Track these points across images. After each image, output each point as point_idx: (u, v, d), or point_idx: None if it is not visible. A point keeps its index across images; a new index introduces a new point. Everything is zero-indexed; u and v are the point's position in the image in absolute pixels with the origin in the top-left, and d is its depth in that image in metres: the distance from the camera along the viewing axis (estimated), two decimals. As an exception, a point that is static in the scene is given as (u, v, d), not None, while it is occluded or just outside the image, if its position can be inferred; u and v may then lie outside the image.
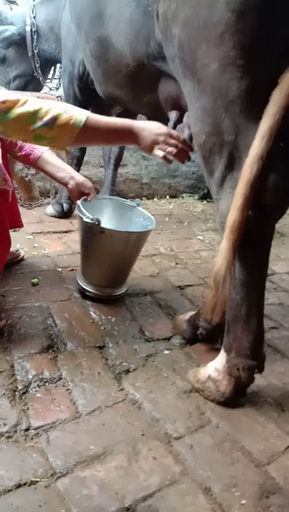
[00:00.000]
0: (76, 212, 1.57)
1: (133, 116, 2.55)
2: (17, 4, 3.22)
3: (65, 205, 2.56)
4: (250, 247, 1.09)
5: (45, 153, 1.58)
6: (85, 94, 2.27)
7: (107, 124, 1.20)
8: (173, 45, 1.08)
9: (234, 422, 1.14)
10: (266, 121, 0.92)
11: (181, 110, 1.34)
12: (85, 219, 1.48)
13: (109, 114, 2.45)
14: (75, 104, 2.30)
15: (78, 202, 1.56)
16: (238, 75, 0.94)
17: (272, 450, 1.07)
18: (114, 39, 1.39)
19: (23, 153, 1.58)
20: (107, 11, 1.37)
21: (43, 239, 2.21)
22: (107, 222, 1.64)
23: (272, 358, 1.42)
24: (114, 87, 1.60)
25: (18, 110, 1.11)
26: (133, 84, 1.45)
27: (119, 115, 2.50)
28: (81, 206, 1.54)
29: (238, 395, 1.19)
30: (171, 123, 1.38)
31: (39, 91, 2.93)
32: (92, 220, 1.46)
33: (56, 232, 2.33)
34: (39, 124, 1.12)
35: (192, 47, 1.00)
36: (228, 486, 0.95)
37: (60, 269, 1.89)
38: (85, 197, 1.59)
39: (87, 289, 1.65)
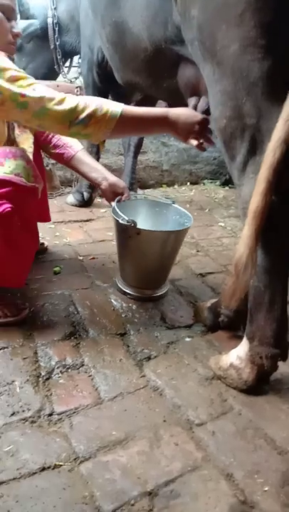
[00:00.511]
0: (111, 214, 1.55)
1: (153, 103, 2.52)
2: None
3: (85, 194, 2.56)
4: (272, 233, 1.06)
5: (79, 152, 1.57)
6: (104, 81, 2.25)
7: (142, 115, 1.21)
8: (192, 28, 1.05)
9: (257, 409, 1.13)
10: None
11: (201, 96, 1.30)
12: (121, 221, 1.45)
13: (128, 101, 2.43)
14: (94, 92, 2.31)
15: (113, 203, 1.54)
16: (259, 56, 0.91)
17: (296, 438, 1.05)
18: (130, 23, 1.35)
19: (57, 151, 1.58)
20: None
21: (64, 228, 2.22)
22: (142, 222, 1.60)
23: (296, 346, 1.40)
24: (132, 73, 1.57)
25: (55, 107, 1.12)
26: (151, 69, 1.42)
27: (138, 102, 2.47)
28: (116, 208, 1.51)
29: (260, 383, 1.18)
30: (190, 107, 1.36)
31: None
32: (128, 221, 1.43)
33: (77, 221, 2.34)
34: (75, 121, 1.14)
35: (211, 28, 0.97)
36: (250, 473, 0.95)
37: (81, 258, 1.91)
38: (119, 197, 1.58)
39: (127, 291, 1.62)
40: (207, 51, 1.02)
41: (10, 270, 1.35)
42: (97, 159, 2.35)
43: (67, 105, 1.13)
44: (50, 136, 1.58)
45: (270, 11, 0.87)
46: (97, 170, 1.58)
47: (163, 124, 1.24)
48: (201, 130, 1.26)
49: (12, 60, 1.25)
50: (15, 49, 1.35)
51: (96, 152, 2.52)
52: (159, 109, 1.23)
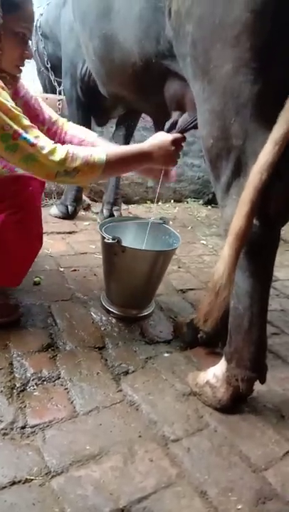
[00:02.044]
0: (97, 230, 1.55)
1: (137, 117, 2.55)
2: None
3: (70, 208, 2.56)
4: (254, 256, 1.07)
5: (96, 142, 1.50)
6: (87, 96, 2.24)
7: (124, 154, 1.23)
8: (185, 43, 1.05)
9: (233, 427, 1.13)
10: (280, 128, 0.88)
11: (185, 110, 1.32)
12: (106, 240, 1.44)
13: (110, 116, 2.45)
14: (78, 107, 2.31)
15: (98, 219, 1.54)
16: (251, 78, 0.92)
17: (271, 456, 1.05)
18: (121, 37, 1.35)
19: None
20: (114, 7, 1.33)
21: (47, 239, 2.20)
22: (132, 241, 1.59)
23: (273, 364, 1.41)
24: (118, 86, 1.57)
25: (44, 158, 1.12)
26: (138, 83, 1.43)
27: (122, 116, 2.50)
28: (101, 229, 1.52)
29: (236, 403, 1.18)
30: (168, 123, 1.38)
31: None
32: (113, 238, 1.43)
33: (60, 233, 2.34)
34: (62, 173, 1.15)
35: (206, 46, 0.97)
36: (224, 490, 0.94)
37: (62, 269, 1.89)
38: (107, 220, 1.61)
39: (112, 310, 1.60)
40: (199, 68, 1.03)
41: (9, 269, 1.36)
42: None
43: (56, 157, 1.12)
44: (62, 135, 1.51)
45: (266, 35, 0.88)
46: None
47: (144, 158, 1.26)
48: (178, 147, 1.27)
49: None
50: (21, 70, 1.33)
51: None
52: (138, 146, 1.26)
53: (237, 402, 1.18)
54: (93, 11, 1.47)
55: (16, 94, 1.39)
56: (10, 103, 1.12)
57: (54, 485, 0.90)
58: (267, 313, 1.15)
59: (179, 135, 1.29)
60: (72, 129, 1.48)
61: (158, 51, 1.23)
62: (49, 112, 1.48)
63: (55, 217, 2.57)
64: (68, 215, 2.57)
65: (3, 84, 1.14)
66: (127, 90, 1.54)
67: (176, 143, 1.27)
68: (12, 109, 1.11)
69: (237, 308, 1.13)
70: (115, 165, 1.21)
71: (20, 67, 1.29)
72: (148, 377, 1.28)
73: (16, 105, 1.37)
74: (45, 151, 1.12)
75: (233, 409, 1.18)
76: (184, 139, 1.30)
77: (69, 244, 2.21)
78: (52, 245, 2.14)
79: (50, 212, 2.60)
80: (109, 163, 1.18)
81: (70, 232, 2.38)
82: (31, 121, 1.40)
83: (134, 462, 0.98)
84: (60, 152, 1.13)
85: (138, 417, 1.12)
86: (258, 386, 1.18)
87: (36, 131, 1.15)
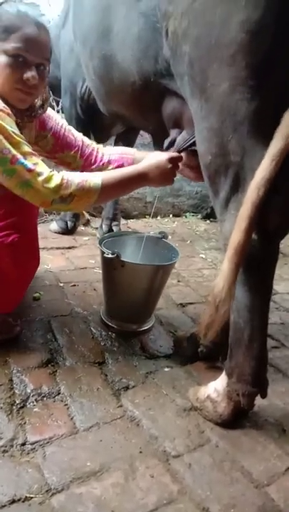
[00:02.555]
0: (97, 245, 1.56)
1: (135, 134, 2.59)
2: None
3: (69, 223, 2.58)
4: (254, 270, 1.07)
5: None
6: (87, 114, 2.27)
7: (120, 178, 1.23)
8: (182, 63, 1.07)
9: (234, 442, 1.12)
10: (277, 143, 0.90)
11: (183, 128, 1.35)
12: (106, 255, 1.45)
13: (109, 134, 2.49)
14: (78, 124, 2.34)
15: (97, 235, 1.55)
16: (248, 96, 0.93)
17: (273, 471, 1.04)
18: (119, 57, 1.37)
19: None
20: (113, 28, 1.36)
21: (46, 254, 2.22)
22: (131, 256, 1.60)
23: (274, 378, 1.40)
24: (118, 105, 1.60)
25: (40, 185, 1.13)
26: (138, 102, 1.45)
27: (121, 134, 2.54)
28: (100, 244, 1.54)
29: (237, 418, 1.17)
30: (167, 141, 1.40)
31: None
32: (112, 253, 1.44)
33: (59, 248, 2.35)
34: (58, 200, 1.16)
35: (203, 65, 0.99)
36: (226, 507, 0.93)
37: (62, 285, 1.90)
38: (106, 235, 1.62)
39: (111, 325, 1.60)
40: (197, 87, 1.04)
41: (4, 295, 1.35)
42: None
43: (51, 184, 1.13)
44: (100, 156, 1.49)
45: (261, 53, 0.90)
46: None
47: (140, 180, 1.27)
48: (174, 165, 1.29)
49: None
50: (27, 100, 1.24)
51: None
52: (133, 168, 1.27)
53: (238, 416, 1.17)
54: (94, 32, 1.50)
55: (43, 127, 1.42)
56: (12, 129, 1.12)
57: (54, 503, 0.89)
58: (267, 327, 1.15)
59: (175, 154, 1.31)
60: (109, 149, 1.51)
61: (156, 70, 1.25)
62: (82, 137, 1.50)
63: (55, 232, 2.58)
64: (68, 231, 2.59)
65: (9, 111, 1.15)
66: (126, 109, 1.57)
67: (173, 161, 1.28)
68: (13, 135, 1.12)
69: (237, 323, 1.13)
70: (111, 189, 1.22)
71: (26, 95, 1.21)
72: (148, 393, 1.27)
73: (46, 138, 1.42)
74: (41, 178, 1.12)
75: (234, 424, 1.17)
76: (180, 158, 1.32)
77: (68, 259, 2.22)
78: (51, 260, 2.15)
79: (50, 227, 2.61)
80: (105, 187, 1.19)
81: (69, 248, 2.39)
82: (64, 151, 1.46)
83: (135, 478, 0.97)
84: (56, 179, 1.14)
85: (139, 433, 1.12)
86: (258, 400, 1.17)
87: (35, 159, 1.15)
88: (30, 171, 1.12)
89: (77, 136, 1.50)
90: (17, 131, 1.14)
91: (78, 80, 2.17)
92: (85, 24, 1.58)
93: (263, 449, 1.11)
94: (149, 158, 1.30)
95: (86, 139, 1.51)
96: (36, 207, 1.43)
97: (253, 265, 1.06)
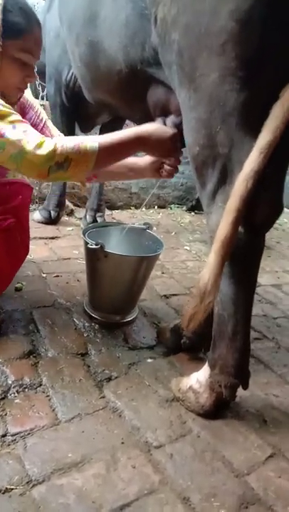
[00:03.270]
0: (81, 236, 1.54)
1: (121, 124, 2.56)
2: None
3: (52, 213, 2.54)
4: (239, 263, 1.07)
5: None
6: (72, 102, 2.23)
7: (118, 142, 1.16)
8: (171, 51, 1.04)
9: (215, 432, 1.13)
10: (266, 136, 0.89)
11: (168, 116, 1.33)
12: (90, 246, 1.43)
13: (94, 122, 2.45)
14: (62, 112, 2.30)
15: (81, 226, 1.53)
16: (237, 87, 0.92)
17: (253, 460, 1.06)
18: (106, 43, 1.35)
19: None
20: (100, 14, 1.33)
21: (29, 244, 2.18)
22: (115, 247, 1.57)
23: (256, 369, 1.42)
24: (103, 93, 1.57)
25: (32, 152, 1.06)
26: (124, 90, 1.43)
27: (107, 123, 2.50)
28: (84, 234, 1.52)
29: (219, 409, 1.18)
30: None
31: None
32: (96, 244, 1.41)
33: (42, 238, 2.32)
34: (54, 167, 1.08)
35: (192, 54, 0.97)
36: (207, 496, 0.94)
37: (44, 275, 1.88)
38: (90, 225, 1.60)
39: (95, 316, 1.58)
40: (185, 76, 1.02)
41: None
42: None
43: (44, 150, 1.06)
44: None
45: (251, 44, 0.88)
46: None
47: (138, 144, 1.20)
48: (174, 145, 1.24)
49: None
50: (23, 91, 1.29)
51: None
52: (132, 130, 1.19)
53: (220, 407, 1.18)
54: (80, 17, 1.46)
55: (22, 115, 1.37)
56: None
57: (35, 494, 0.88)
58: (251, 320, 1.15)
59: (176, 131, 1.23)
60: None
61: (143, 58, 1.23)
62: (57, 135, 1.47)
63: (38, 222, 2.54)
64: (51, 221, 2.55)
65: None
66: (112, 97, 1.54)
67: (174, 137, 1.22)
68: (0, 107, 1.08)
69: (221, 315, 1.13)
70: (109, 151, 1.15)
71: (22, 91, 1.26)
72: (131, 384, 1.27)
73: None
74: (31, 146, 1.05)
75: (215, 414, 1.18)
76: (179, 135, 1.23)
77: (52, 249, 2.19)
78: (34, 251, 2.11)
79: (33, 217, 2.57)
80: (103, 149, 1.12)
81: (52, 238, 2.36)
82: None
83: (117, 469, 0.97)
84: (48, 145, 1.07)
85: (121, 424, 1.11)
86: (240, 391, 1.18)
87: (25, 126, 1.09)
88: (19, 140, 1.06)
89: (54, 134, 1.47)
90: (3, 103, 1.10)
91: (64, 66, 2.12)
92: (71, 9, 1.54)
93: (244, 439, 1.13)
94: (152, 124, 1.24)
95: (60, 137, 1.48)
96: (29, 196, 1.40)
97: (238, 258, 1.06)
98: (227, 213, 0.96)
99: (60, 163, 1.08)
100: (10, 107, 1.12)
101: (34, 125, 1.41)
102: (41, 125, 1.44)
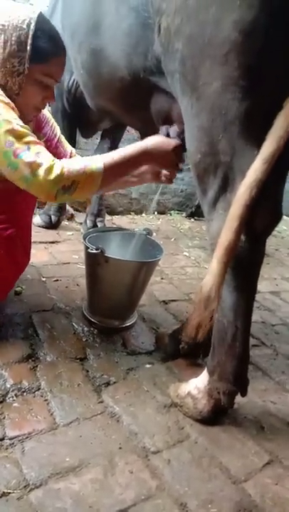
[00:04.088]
0: (81, 240, 1.55)
1: (122, 130, 2.57)
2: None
3: (53, 217, 2.55)
4: (240, 270, 1.08)
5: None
6: (73, 108, 2.24)
7: (122, 160, 1.18)
8: (174, 60, 1.06)
9: (213, 438, 1.13)
10: (270, 145, 0.90)
11: (172, 124, 1.34)
12: (90, 250, 1.43)
13: (96, 129, 2.46)
14: (63, 118, 2.31)
15: (81, 231, 1.54)
16: (239, 96, 0.93)
17: (250, 467, 1.06)
18: (109, 51, 1.36)
19: None
20: (104, 22, 1.34)
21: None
22: (115, 252, 1.58)
23: (254, 376, 1.42)
24: (106, 100, 1.58)
25: (42, 177, 1.08)
26: (126, 98, 1.44)
27: (108, 129, 2.52)
28: (84, 239, 1.53)
29: (217, 415, 1.18)
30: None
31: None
32: (96, 248, 1.42)
33: (43, 243, 2.32)
34: (61, 191, 1.12)
35: (195, 63, 0.99)
36: (204, 502, 0.94)
37: (44, 279, 1.88)
38: (90, 230, 1.62)
39: (94, 320, 1.58)
40: (188, 85, 1.03)
41: None
42: None
43: (52, 175, 1.09)
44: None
45: (254, 54, 0.89)
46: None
47: (142, 160, 1.23)
48: (177, 156, 1.26)
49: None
50: (40, 111, 1.34)
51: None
52: (136, 146, 1.21)
53: (218, 414, 1.18)
54: (83, 25, 1.48)
55: (38, 129, 1.41)
56: (17, 121, 1.11)
57: (32, 498, 0.89)
58: (250, 328, 1.16)
59: (179, 142, 1.26)
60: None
61: (146, 67, 1.24)
62: (70, 150, 1.50)
63: (38, 226, 2.55)
64: (51, 225, 2.56)
65: (13, 105, 1.14)
66: (114, 104, 1.55)
67: (177, 149, 1.25)
68: (17, 126, 1.10)
69: (221, 322, 1.13)
70: (115, 170, 1.17)
71: (40, 108, 1.30)
72: (129, 389, 1.27)
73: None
74: (42, 170, 1.08)
75: (213, 420, 1.18)
76: (182, 147, 1.26)
77: (51, 254, 2.20)
78: (34, 255, 2.10)
79: (33, 221, 2.57)
80: (108, 169, 1.15)
81: (52, 242, 2.37)
82: None
83: (115, 474, 0.97)
84: (56, 169, 1.10)
85: (119, 429, 1.12)
86: (238, 398, 1.19)
87: (38, 147, 1.12)
88: (30, 163, 1.08)
89: (67, 149, 1.50)
90: (21, 123, 1.13)
91: (65, 73, 2.14)
92: (75, 17, 1.56)
93: (242, 445, 1.13)
94: (154, 137, 1.25)
95: (74, 152, 1.52)
96: (32, 204, 1.41)
97: (239, 265, 1.07)
98: (230, 220, 0.97)
99: (67, 186, 1.12)
100: (27, 127, 1.14)
101: (48, 140, 1.44)
102: (55, 140, 1.47)
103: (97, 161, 1.15)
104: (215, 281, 0.99)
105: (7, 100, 1.12)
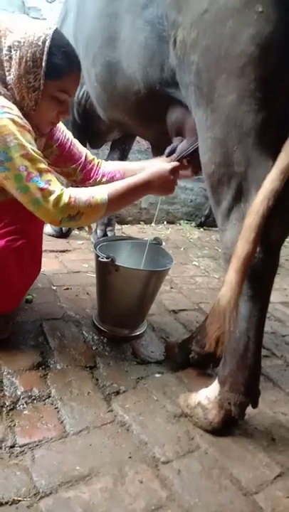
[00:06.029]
0: (92, 249, 1.58)
1: (132, 140, 2.59)
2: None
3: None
4: (254, 281, 1.08)
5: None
6: (83, 119, 2.27)
7: (126, 189, 1.25)
8: (189, 73, 1.07)
9: (223, 449, 1.12)
10: (286, 156, 0.91)
11: (185, 136, 1.35)
12: (101, 259, 1.45)
13: (105, 139, 2.49)
14: (73, 129, 2.34)
15: (92, 239, 1.56)
16: (255, 108, 0.95)
17: (261, 479, 1.05)
18: (125, 64, 1.37)
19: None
20: (120, 35, 1.36)
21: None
22: (125, 261, 1.59)
23: (264, 387, 1.41)
24: (120, 112, 1.59)
25: (50, 204, 1.14)
26: (141, 110, 1.45)
27: (117, 140, 2.54)
28: (95, 248, 1.55)
29: (227, 426, 1.17)
30: (169, 148, 1.41)
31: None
32: (107, 257, 1.44)
33: (53, 251, 2.34)
34: (66, 219, 1.18)
35: (211, 76, 1.00)
36: (214, 514, 0.93)
37: (55, 288, 1.89)
38: (101, 239, 1.65)
39: (104, 329, 1.59)
40: (203, 97, 1.05)
41: (5, 296, 1.36)
42: None
43: (60, 204, 1.14)
44: (98, 172, 1.55)
45: (270, 67, 0.91)
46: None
47: (145, 189, 1.30)
48: (176, 176, 1.33)
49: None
50: (52, 128, 1.38)
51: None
52: (140, 177, 1.28)
53: (228, 424, 1.17)
54: (98, 38, 1.49)
55: (50, 138, 1.44)
56: (31, 146, 1.14)
57: (42, 506, 0.88)
58: (262, 338, 1.15)
59: (176, 163, 1.33)
60: (107, 166, 1.54)
61: (162, 79, 1.25)
62: (85, 152, 1.54)
63: (49, 235, 2.58)
64: (62, 234, 2.59)
65: (30, 128, 1.17)
66: (129, 116, 1.57)
67: (174, 171, 1.31)
68: (31, 151, 1.13)
69: (233, 332, 1.12)
70: (118, 201, 1.24)
71: (55, 123, 1.33)
72: (139, 398, 1.27)
73: (52, 148, 1.45)
74: (52, 198, 1.13)
75: (223, 431, 1.17)
76: (181, 167, 1.34)
77: (62, 262, 2.22)
78: (45, 263, 2.11)
79: (44, 230, 2.60)
80: (112, 200, 1.22)
81: (63, 251, 2.39)
82: (66, 163, 1.49)
83: (124, 484, 0.97)
84: (64, 199, 1.15)
85: (128, 438, 1.11)
86: (249, 409, 1.18)
87: (50, 176, 1.17)
88: (42, 189, 1.13)
89: (82, 151, 1.53)
90: (35, 148, 1.16)
91: None
92: (89, 30, 1.58)
93: (252, 457, 1.12)
94: (151, 167, 1.32)
95: (88, 154, 1.54)
96: None
97: (254, 276, 1.06)
98: (247, 231, 0.97)
99: (72, 215, 1.18)
100: (40, 153, 1.17)
101: (61, 144, 1.47)
102: (68, 143, 1.50)
103: (103, 193, 1.21)
104: (232, 292, 0.99)
105: (23, 122, 1.15)
